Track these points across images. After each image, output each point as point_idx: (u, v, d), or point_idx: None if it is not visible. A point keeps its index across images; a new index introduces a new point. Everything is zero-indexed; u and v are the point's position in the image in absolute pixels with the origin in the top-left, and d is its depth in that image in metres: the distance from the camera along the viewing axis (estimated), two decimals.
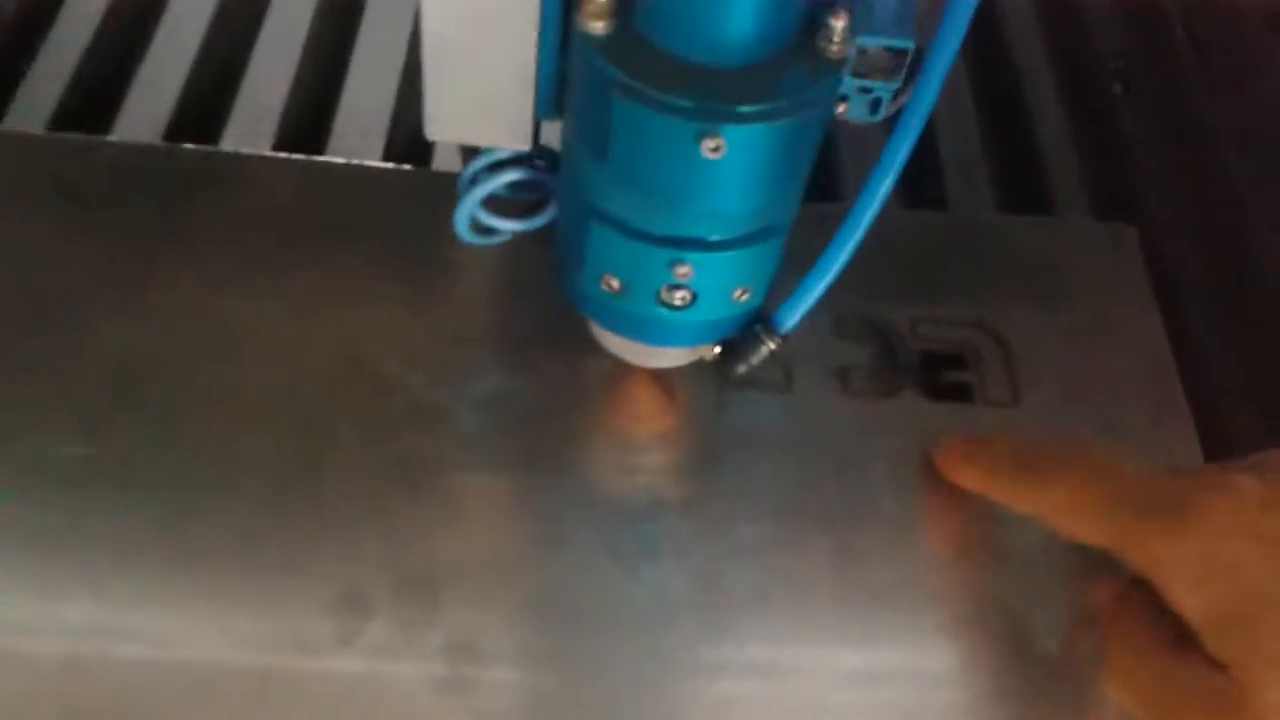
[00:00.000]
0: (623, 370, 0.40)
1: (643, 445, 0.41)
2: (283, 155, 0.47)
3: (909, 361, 0.43)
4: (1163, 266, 0.49)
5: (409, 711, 0.34)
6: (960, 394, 0.43)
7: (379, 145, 0.50)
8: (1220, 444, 0.43)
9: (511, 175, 0.37)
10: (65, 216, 0.43)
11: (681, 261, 0.32)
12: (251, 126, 0.49)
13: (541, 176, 0.37)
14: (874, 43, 0.31)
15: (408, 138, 0.51)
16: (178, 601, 0.35)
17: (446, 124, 0.34)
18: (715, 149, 0.29)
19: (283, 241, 0.44)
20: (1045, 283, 0.46)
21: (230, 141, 0.49)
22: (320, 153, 0.49)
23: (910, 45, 0.32)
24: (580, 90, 0.31)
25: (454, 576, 0.36)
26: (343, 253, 0.44)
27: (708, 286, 0.34)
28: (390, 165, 0.48)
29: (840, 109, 0.33)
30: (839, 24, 0.29)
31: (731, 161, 0.29)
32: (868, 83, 0.32)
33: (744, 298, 0.35)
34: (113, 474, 0.37)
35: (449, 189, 0.47)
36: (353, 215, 0.45)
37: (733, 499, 0.39)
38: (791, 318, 0.36)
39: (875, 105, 0.33)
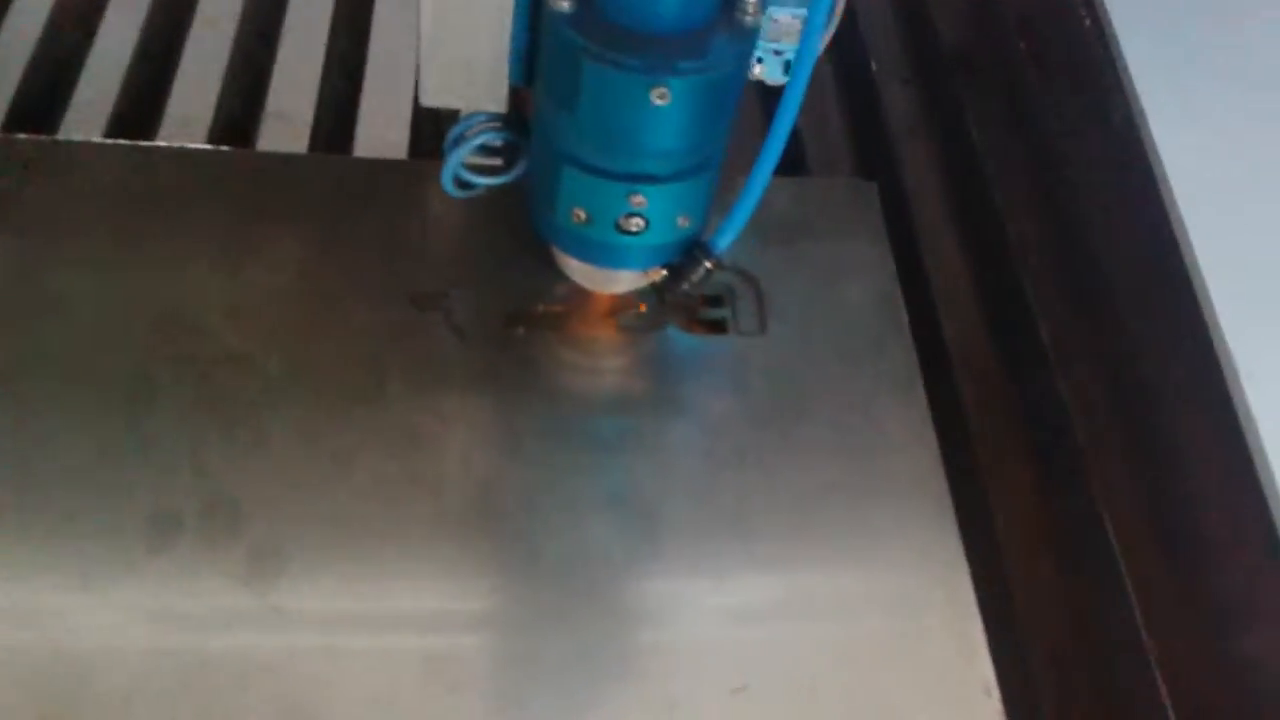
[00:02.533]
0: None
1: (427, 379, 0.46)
2: (109, 141, 0.52)
3: (673, 301, 0.49)
4: (908, 213, 0.56)
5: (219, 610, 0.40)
6: (716, 326, 0.49)
7: (203, 130, 0.55)
8: (938, 354, 0.51)
9: (487, 137, 0.45)
10: None
11: (635, 192, 0.41)
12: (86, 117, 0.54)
13: (512, 137, 0.45)
14: (781, 12, 0.40)
15: (230, 123, 0.56)
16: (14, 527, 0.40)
17: (438, 92, 0.42)
18: (662, 96, 0.37)
19: (107, 218, 0.49)
20: (794, 232, 0.53)
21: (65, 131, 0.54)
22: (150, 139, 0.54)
23: None
24: (552, 58, 0.39)
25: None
26: (162, 227, 0.49)
27: (657, 214, 0.42)
28: (210, 147, 0.53)
29: (757, 70, 0.42)
30: None
31: (673, 107, 0.38)
32: (779, 45, 0.40)
33: (686, 224, 0.43)
34: None
35: (265, 168, 0.53)
36: (174, 194, 0.50)
37: (516, 414, 0.45)
38: (724, 241, 0.43)
39: (786, 66, 0.41)
